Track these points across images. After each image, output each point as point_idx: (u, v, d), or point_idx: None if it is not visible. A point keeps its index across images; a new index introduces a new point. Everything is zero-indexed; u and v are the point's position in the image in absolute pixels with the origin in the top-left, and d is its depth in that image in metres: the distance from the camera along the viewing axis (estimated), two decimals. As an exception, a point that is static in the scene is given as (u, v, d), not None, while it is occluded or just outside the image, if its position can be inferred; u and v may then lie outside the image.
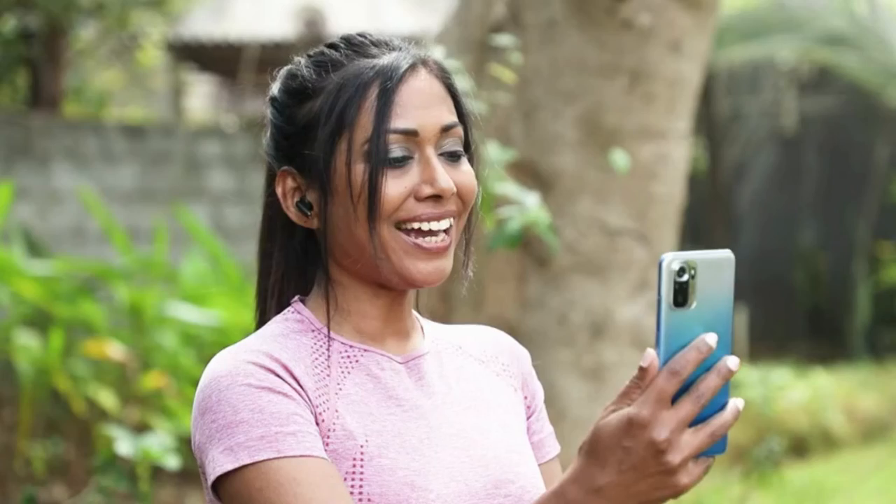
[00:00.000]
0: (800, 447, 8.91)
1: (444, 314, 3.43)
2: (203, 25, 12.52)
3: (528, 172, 3.57)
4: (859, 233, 12.78)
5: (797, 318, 13.30)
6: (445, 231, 1.56)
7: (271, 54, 11.19)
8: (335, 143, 1.54)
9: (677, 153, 3.68)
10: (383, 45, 1.59)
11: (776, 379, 9.16)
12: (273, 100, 1.61)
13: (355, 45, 1.59)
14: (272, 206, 1.63)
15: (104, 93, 12.62)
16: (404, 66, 1.55)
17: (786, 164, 13.68)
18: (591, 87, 3.58)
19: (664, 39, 3.58)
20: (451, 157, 1.56)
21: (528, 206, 2.99)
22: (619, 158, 3.25)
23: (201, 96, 15.93)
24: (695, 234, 11.90)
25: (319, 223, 1.57)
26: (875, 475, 8.27)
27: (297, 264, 1.63)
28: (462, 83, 2.88)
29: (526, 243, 3.49)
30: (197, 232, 7.43)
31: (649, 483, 1.34)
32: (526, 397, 1.69)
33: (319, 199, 1.56)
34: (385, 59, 1.56)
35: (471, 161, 1.60)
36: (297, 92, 1.58)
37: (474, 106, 1.67)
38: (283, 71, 1.62)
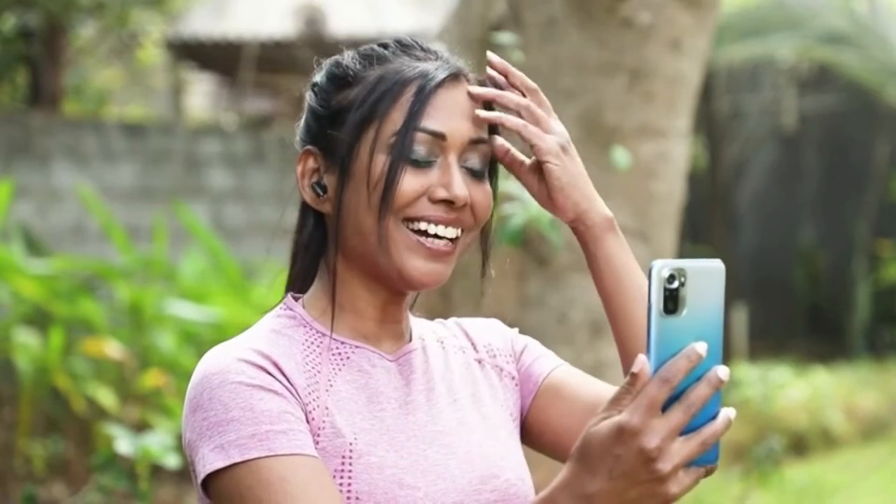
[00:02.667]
0: (799, 446, 8.91)
1: (443, 312, 3.42)
2: (203, 24, 12.51)
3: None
4: (859, 231, 12.79)
5: (797, 316, 13.30)
6: (451, 240, 1.58)
7: (271, 53, 11.19)
8: (363, 129, 1.56)
9: (677, 151, 3.68)
10: (431, 52, 1.63)
11: (776, 377, 9.17)
12: (314, 85, 1.64)
13: (405, 46, 1.62)
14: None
15: (104, 91, 12.62)
16: (447, 73, 1.59)
17: (785, 163, 13.68)
18: (591, 85, 3.58)
19: (664, 38, 3.58)
20: (474, 175, 1.59)
21: (529, 202, 2.99)
22: (620, 156, 3.25)
23: (201, 95, 15.92)
24: (695, 232, 11.90)
25: (332, 208, 1.59)
26: (875, 473, 8.27)
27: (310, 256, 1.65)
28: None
29: (526, 241, 3.49)
30: (196, 230, 7.42)
31: (639, 491, 1.34)
32: (520, 368, 1.72)
33: (336, 183, 1.58)
34: (429, 64, 1.59)
35: (493, 184, 1.62)
36: (338, 78, 1.61)
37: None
38: (331, 59, 1.65)
